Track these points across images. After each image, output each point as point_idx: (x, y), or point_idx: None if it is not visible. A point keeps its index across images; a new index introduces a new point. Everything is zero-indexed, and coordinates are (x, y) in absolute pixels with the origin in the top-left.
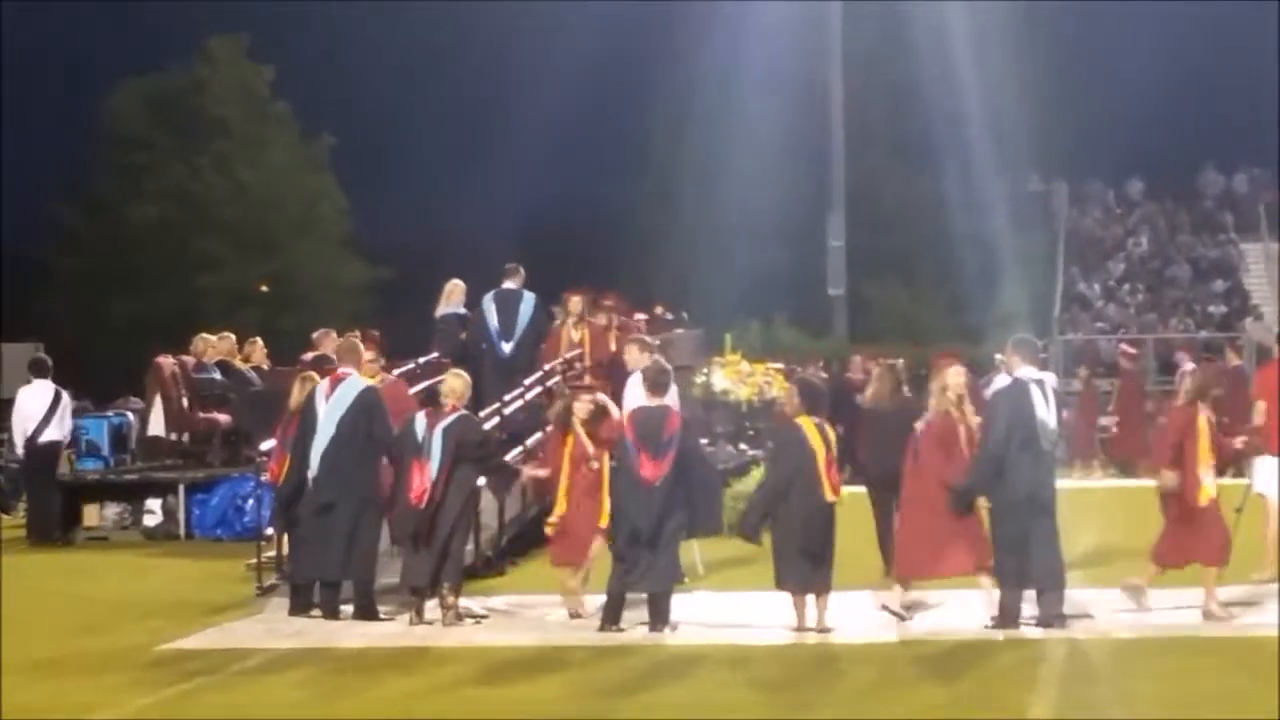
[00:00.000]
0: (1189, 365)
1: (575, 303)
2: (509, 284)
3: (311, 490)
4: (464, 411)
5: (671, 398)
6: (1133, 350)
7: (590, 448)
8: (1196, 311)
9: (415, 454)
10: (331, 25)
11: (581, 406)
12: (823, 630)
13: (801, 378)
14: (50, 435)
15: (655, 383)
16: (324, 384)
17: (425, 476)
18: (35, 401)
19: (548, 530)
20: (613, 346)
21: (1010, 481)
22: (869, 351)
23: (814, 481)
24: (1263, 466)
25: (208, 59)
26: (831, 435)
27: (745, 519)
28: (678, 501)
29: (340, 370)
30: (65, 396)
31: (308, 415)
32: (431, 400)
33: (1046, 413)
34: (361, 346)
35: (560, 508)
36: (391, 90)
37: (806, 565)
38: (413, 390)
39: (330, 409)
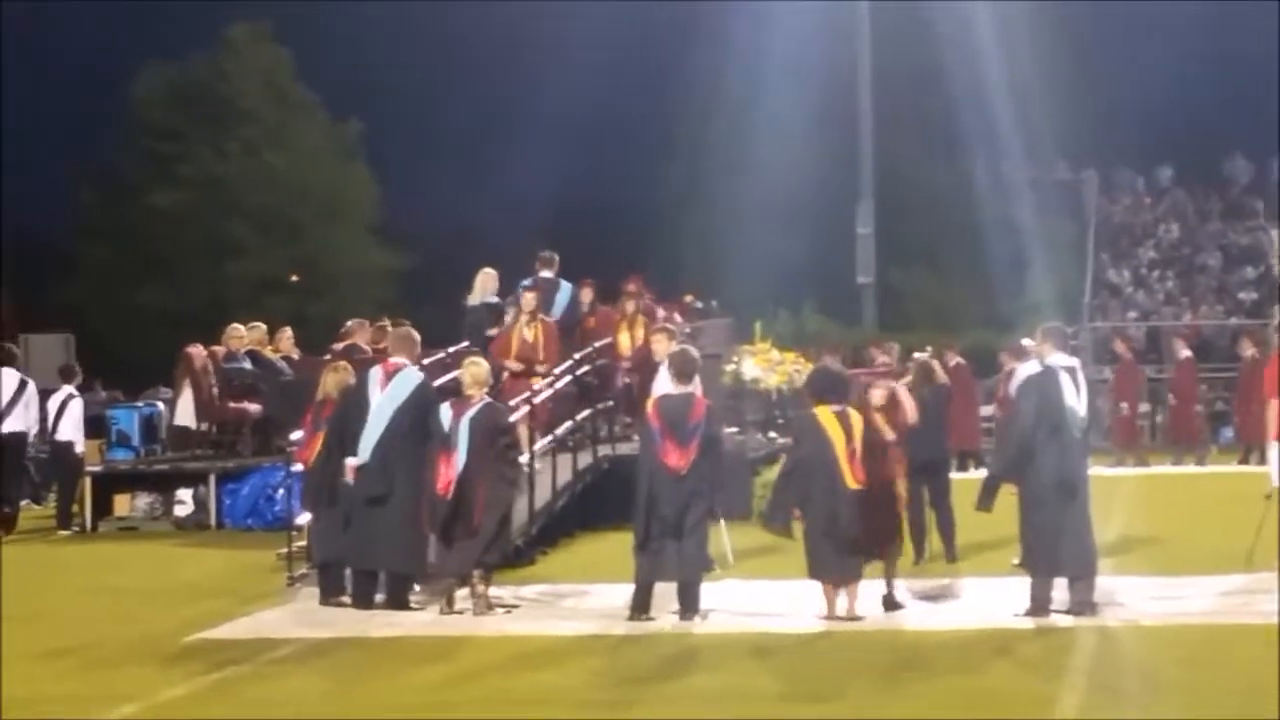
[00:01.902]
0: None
1: (529, 299)
2: (545, 273)
3: (360, 481)
4: (489, 400)
5: (696, 385)
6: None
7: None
8: (1227, 298)
9: (442, 444)
10: (360, 11)
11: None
12: (853, 619)
13: (819, 366)
14: (12, 426)
15: (681, 370)
16: (377, 373)
17: (452, 468)
18: None
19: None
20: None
21: (1040, 469)
22: (896, 340)
23: (834, 470)
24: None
25: (231, 47)
26: (857, 423)
27: (769, 510)
28: (704, 489)
29: (393, 361)
30: (31, 387)
31: (357, 403)
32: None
33: (1076, 400)
34: (416, 336)
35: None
36: (420, 78)
37: (834, 554)
38: (442, 380)
39: (385, 400)
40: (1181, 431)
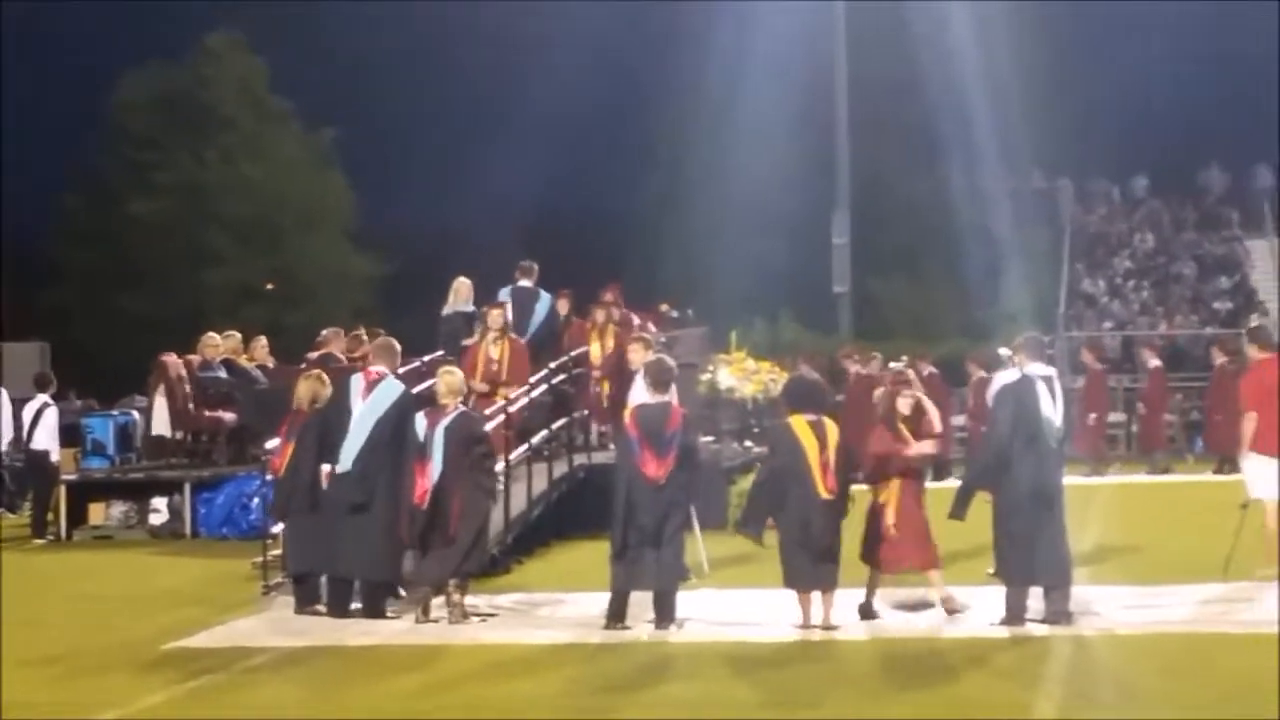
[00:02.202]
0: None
1: (495, 317)
2: (524, 282)
3: (340, 489)
4: (464, 409)
5: (673, 394)
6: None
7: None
8: (1202, 308)
9: (417, 454)
10: (335, 17)
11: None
12: (828, 628)
13: (794, 375)
14: None
15: (658, 380)
16: (359, 382)
17: (427, 477)
18: None
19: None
20: (610, 341)
21: (1015, 478)
22: (874, 349)
23: (807, 480)
24: (1253, 468)
25: (210, 55)
26: (831, 432)
27: (743, 518)
28: (681, 499)
29: (374, 370)
30: (3, 395)
31: (337, 411)
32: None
33: (1052, 409)
34: (397, 346)
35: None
36: (396, 85)
37: (809, 563)
38: (418, 388)
39: (367, 410)
40: (1152, 441)
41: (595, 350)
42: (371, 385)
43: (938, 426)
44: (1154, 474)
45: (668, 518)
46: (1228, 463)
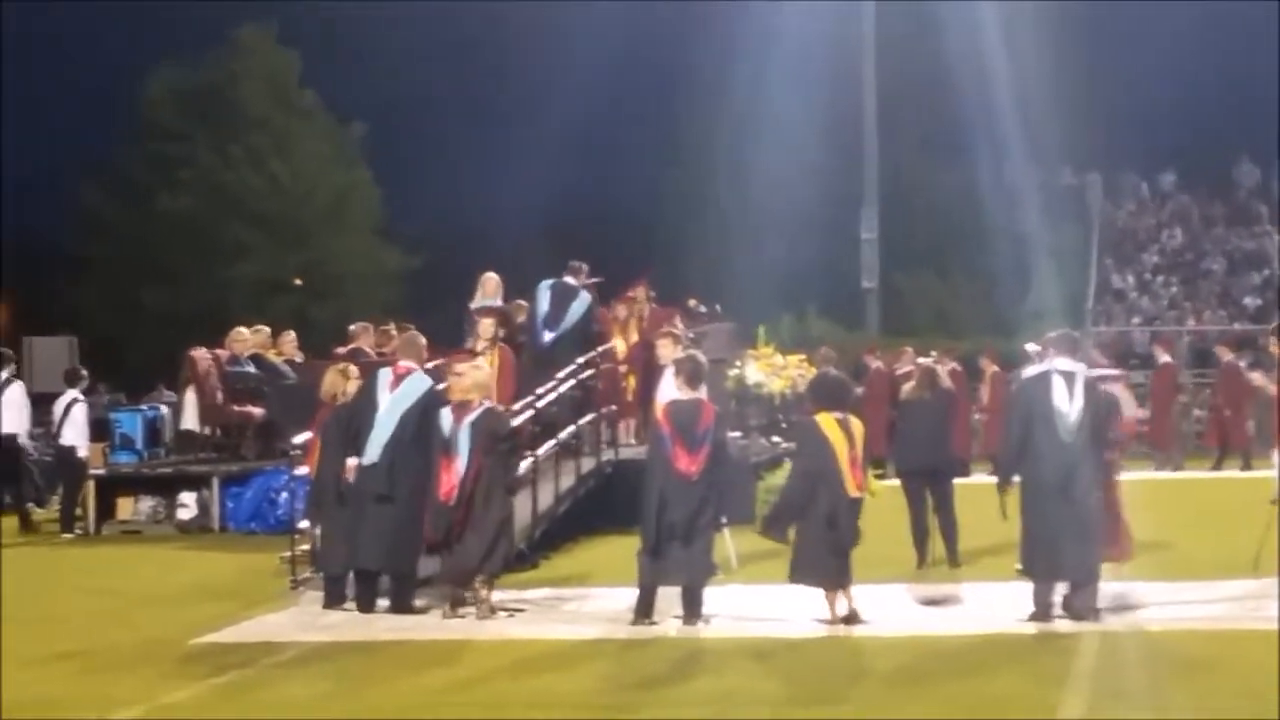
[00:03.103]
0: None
1: (486, 325)
2: (569, 279)
3: (367, 480)
4: (490, 404)
5: (703, 390)
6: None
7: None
8: (1231, 304)
9: (443, 450)
10: (363, 13)
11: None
12: (853, 618)
13: (821, 373)
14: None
15: (690, 375)
16: (386, 375)
17: (454, 473)
18: None
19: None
20: (636, 336)
21: (1034, 473)
22: (905, 344)
23: (836, 478)
24: None
25: (239, 50)
26: (858, 430)
27: (772, 521)
28: (712, 495)
29: (403, 364)
30: (19, 386)
31: (365, 405)
32: None
33: (1068, 404)
34: (423, 341)
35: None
36: (423, 81)
37: (832, 561)
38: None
39: (394, 403)
40: (1160, 437)
41: (620, 345)
42: (399, 379)
43: (1133, 425)
44: (1161, 470)
45: (699, 513)
46: (1239, 457)
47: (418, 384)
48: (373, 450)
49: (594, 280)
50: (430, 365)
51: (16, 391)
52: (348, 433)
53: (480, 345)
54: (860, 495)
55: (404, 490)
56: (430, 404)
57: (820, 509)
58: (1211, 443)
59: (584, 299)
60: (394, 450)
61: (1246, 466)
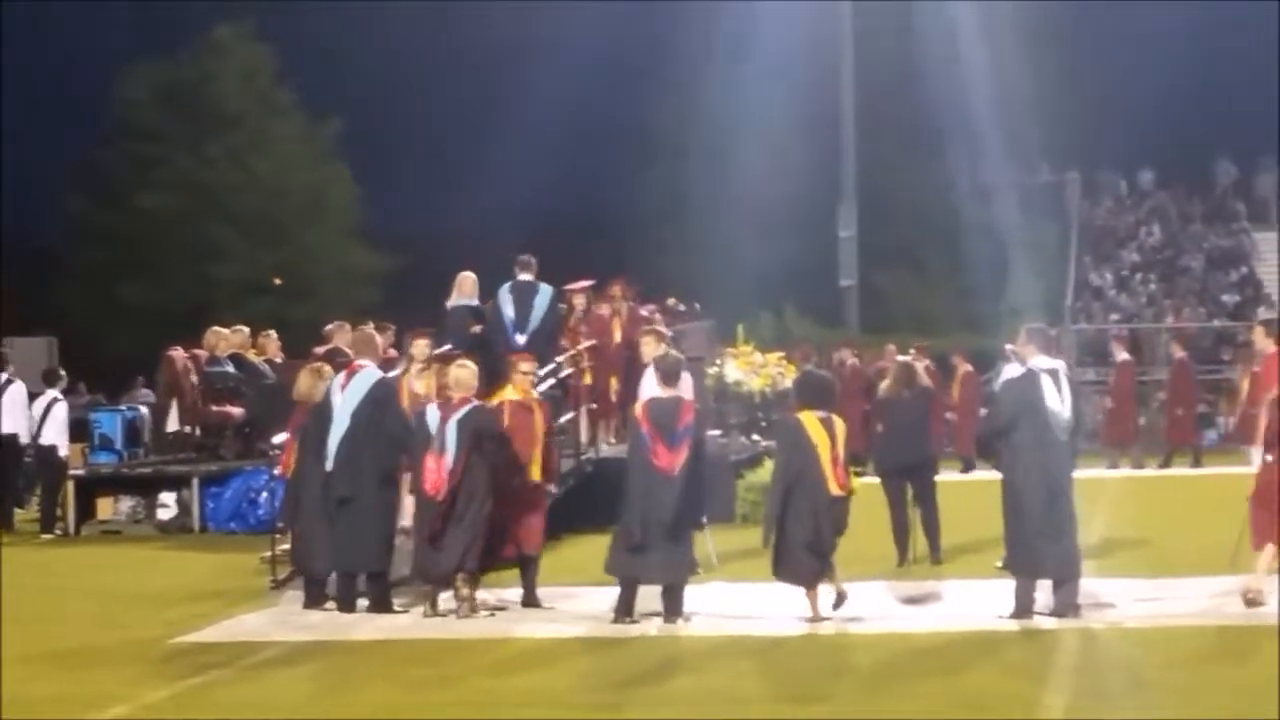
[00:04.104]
0: None
1: (420, 347)
2: (524, 276)
3: (329, 484)
4: (477, 403)
5: (686, 389)
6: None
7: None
8: (1210, 301)
9: (428, 447)
10: (342, 11)
11: None
12: (841, 600)
13: (804, 371)
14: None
15: (668, 373)
16: (340, 376)
17: (441, 469)
18: None
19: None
20: (618, 335)
21: (1022, 471)
22: (879, 342)
23: (818, 476)
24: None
25: (215, 48)
26: (840, 429)
27: (767, 529)
28: (693, 492)
29: (357, 362)
30: (19, 387)
31: (324, 407)
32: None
33: (1058, 403)
34: (378, 338)
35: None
36: (400, 79)
37: (814, 560)
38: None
39: (345, 401)
40: (1119, 435)
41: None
42: (350, 376)
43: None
44: (1114, 469)
45: (679, 510)
46: (1188, 454)
47: (366, 378)
48: (329, 453)
49: (587, 284)
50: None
51: (18, 392)
52: (317, 437)
53: (414, 368)
54: (842, 494)
55: (363, 488)
56: (380, 395)
57: (802, 508)
58: (1169, 438)
59: (545, 292)
60: (348, 449)
61: (1196, 464)
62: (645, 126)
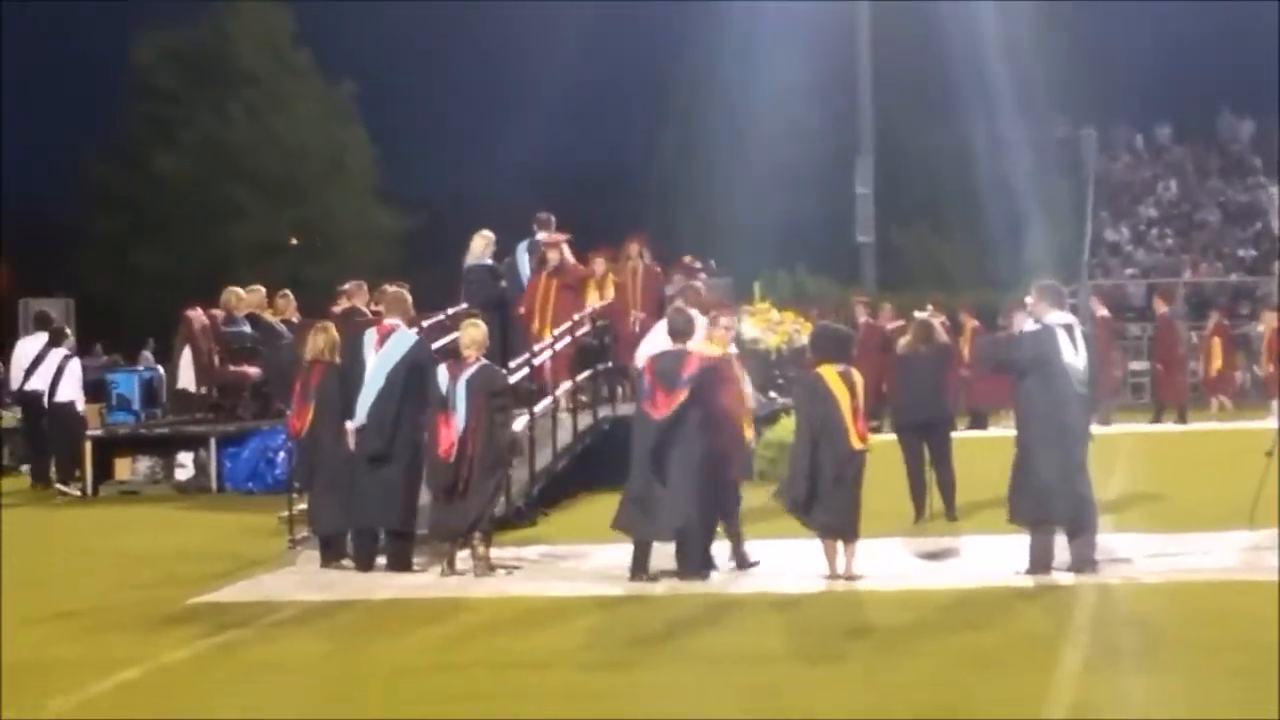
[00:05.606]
0: None
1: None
2: (542, 234)
3: (361, 441)
4: (485, 362)
5: (697, 343)
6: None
7: None
8: (1226, 255)
9: (440, 407)
10: None
11: None
12: (850, 578)
13: (821, 325)
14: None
15: (677, 329)
16: (372, 335)
17: (452, 429)
18: None
19: None
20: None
21: (1039, 424)
22: (895, 299)
23: (839, 430)
24: None
25: (232, 10)
26: (859, 382)
27: (790, 490)
28: (691, 441)
29: (388, 322)
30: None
31: (352, 367)
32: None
33: (1075, 356)
34: (409, 297)
35: None
36: (418, 40)
37: (834, 514)
38: (442, 341)
39: (380, 361)
40: (1169, 390)
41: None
42: (384, 337)
43: None
44: (1160, 423)
45: (672, 457)
46: (1171, 412)
47: (403, 340)
48: (361, 411)
49: (564, 237)
50: (427, 323)
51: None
52: (341, 396)
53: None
54: (863, 448)
55: (399, 448)
56: (418, 359)
57: (826, 461)
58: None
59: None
60: (382, 408)
61: (1182, 420)
62: (661, 84)
